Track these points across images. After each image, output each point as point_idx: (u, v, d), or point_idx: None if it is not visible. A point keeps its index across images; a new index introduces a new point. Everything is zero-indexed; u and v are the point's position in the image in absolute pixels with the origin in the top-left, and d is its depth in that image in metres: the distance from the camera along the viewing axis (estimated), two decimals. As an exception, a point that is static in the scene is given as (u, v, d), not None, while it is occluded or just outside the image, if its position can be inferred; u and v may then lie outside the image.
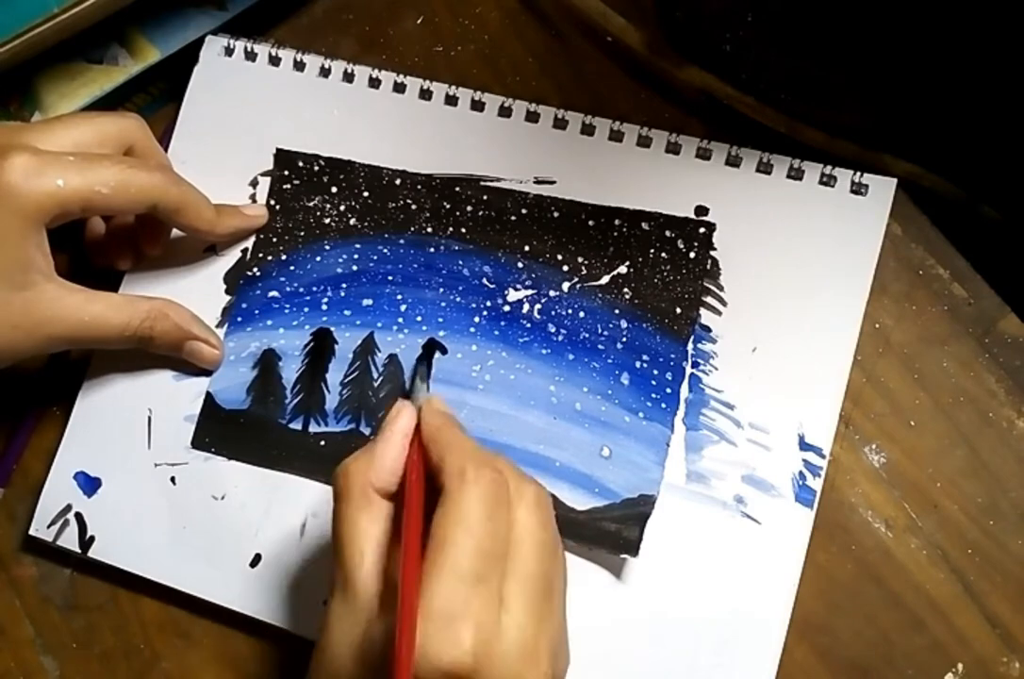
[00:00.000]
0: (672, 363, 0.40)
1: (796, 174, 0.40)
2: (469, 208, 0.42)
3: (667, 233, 0.41)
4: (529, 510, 0.31)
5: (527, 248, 0.41)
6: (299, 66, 0.44)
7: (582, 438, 0.39)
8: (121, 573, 0.41)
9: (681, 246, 0.40)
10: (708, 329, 0.40)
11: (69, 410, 0.43)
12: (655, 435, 0.39)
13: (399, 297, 0.42)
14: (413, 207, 0.42)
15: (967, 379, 0.39)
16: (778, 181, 0.40)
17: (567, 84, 0.44)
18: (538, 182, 0.42)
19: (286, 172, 0.44)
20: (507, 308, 0.41)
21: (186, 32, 0.44)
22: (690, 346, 0.40)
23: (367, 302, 0.42)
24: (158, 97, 0.46)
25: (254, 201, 0.44)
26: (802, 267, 0.39)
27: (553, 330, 0.41)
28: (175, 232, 0.42)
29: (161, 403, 0.42)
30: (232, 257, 0.43)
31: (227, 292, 0.43)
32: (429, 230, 0.42)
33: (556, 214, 0.41)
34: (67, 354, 0.44)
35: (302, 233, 0.43)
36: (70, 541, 0.42)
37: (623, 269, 0.41)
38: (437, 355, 0.41)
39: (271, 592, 0.40)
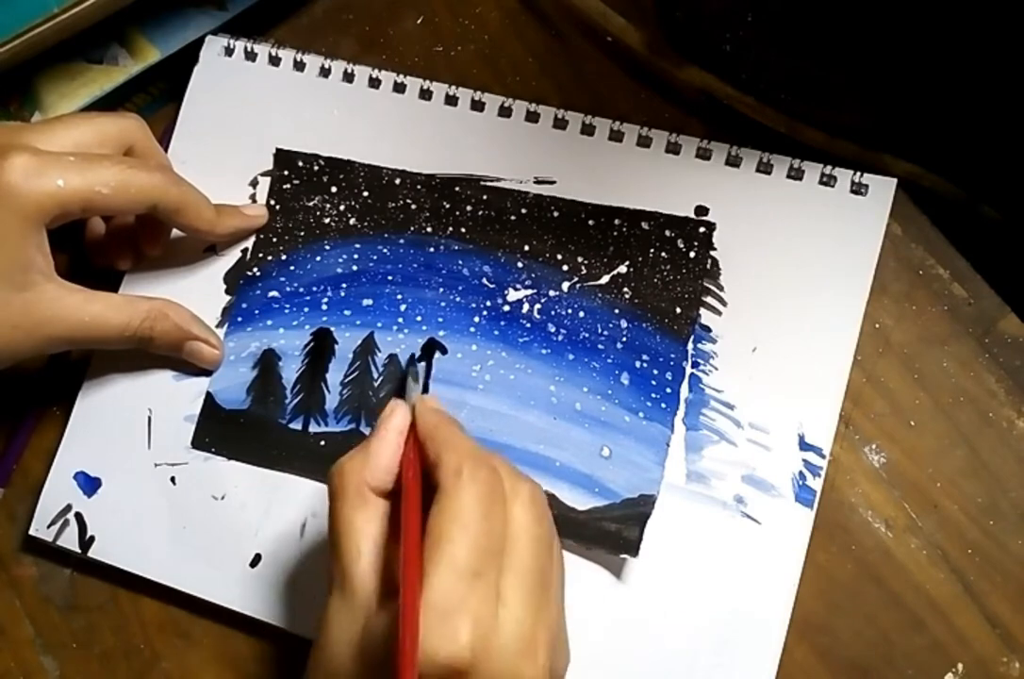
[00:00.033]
0: (672, 363, 0.40)
1: (796, 174, 0.40)
2: (469, 208, 0.42)
3: (667, 233, 0.41)
4: (524, 507, 0.31)
5: (527, 248, 0.41)
6: (299, 66, 0.44)
7: (582, 438, 0.39)
8: (121, 573, 0.41)
9: (681, 246, 0.40)
10: (708, 329, 0.40)
11: (69, 410, 0.43)
12: (655, 435, 0.39)
13: (399, 297, 0.42)
14: (413, 207, 0.42)
15: (967, 379, 0.39)
16: (778, 181, 0.40)
17: (567, 84, 0.44)
18: (538, 182, 0.42)
19: (286, 172, 0.44)
20: (507, 308, 0.41)
21: (186, 32, 0.44)
22: (690, 346, 0.40)
23: (367, 302, 0.42)
24: (158, 97, 0.46)
25: (254, 201, 0.44)
26: (802, 267, 0.39)
27: (553, 330, 0.41)
28: (175, 232, 0.42)
29: (161, 403, 0.42)
30: (232, 257, 0.43)
31: (227, 292, 0.43)
32: (429, 230, 0.42)
33: (556, 214, 0.41)
34: (67, 354, 0.44)
35: (302, 233, 0.43)
36: (70, 541, 0.42)
37: (623, 269, 0.41)
38: (437, 355, 0.41)
39: (271, 592, 0.40)
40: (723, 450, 0.39)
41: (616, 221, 0.41)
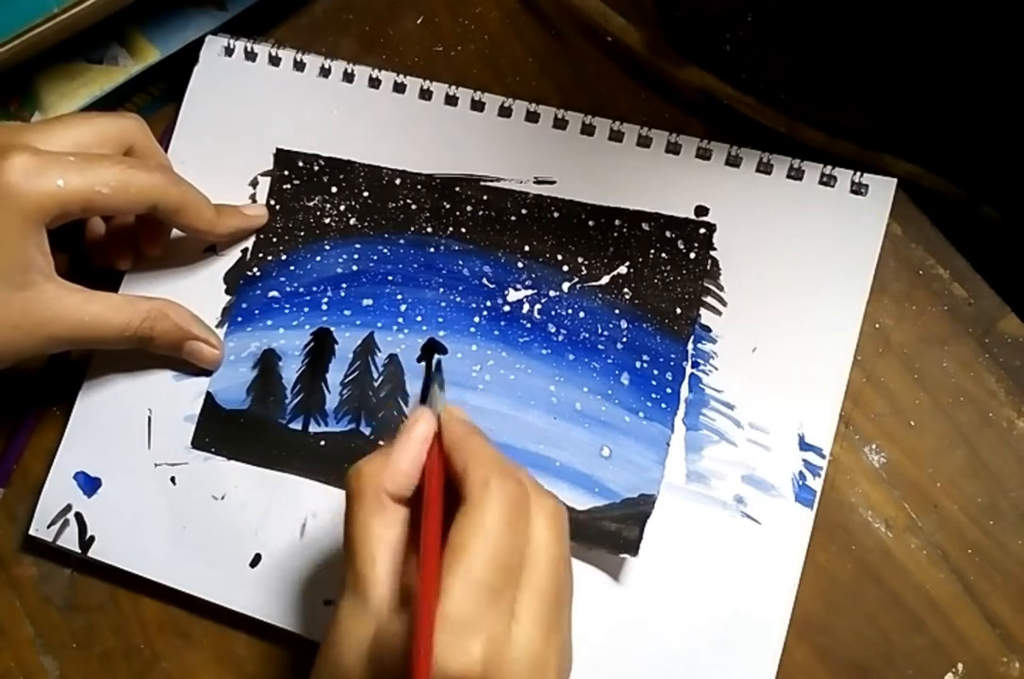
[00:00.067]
0: (672, 363, 0.40)
1: (796, 174, 0.40)
2: (469, 208, 0.42)
3: (667, 233, 0.41)
4: (546, 524, 0.31)
5: (527, 248, 0.41)
6: (299, 66, 0.44)
7: (582, 438, 0.39)
8: (121, 573, 0.41)
9: (681, 246, 0.40)
10: (708, 329, 0.40)
11: (69, 410, 0.43)
12: (655, 435, 0.39)
13: (399, 297, 0.42)
14: (413, 207, 0.42)
15: (967, 379, 0.39)
16: (778, 181, 0.40)
17: (567, 84, 0.44)
18: (538, 182, 0.42)
19: (286, 172, 0.44)
20: (507, 308, 0.41)
21: (186, 32, 0.44)
22: (690, 346, 0.40)
23: (367, 302, 0.42)
24: (158, 97, 0.46)
25: (254, 201, 0.44)
26: (802, 267, 0.39)
27: (553, 330, 0.41)
28: (175, 232, 0.42)
29: (161, 403, 0.42)
30: (232, 257, 0.43)
31: (227, 292, 0.43)
32: (429, 230, 0.42)
33: (556, 214, 0.41)
34: (67, 354, 0.44)
35: (302, 233, 0.43)
36: (70, 541, 0.42)
37: (623, 269, 0.41)
38: (436, 355, 0.41)
39: (271, 592, 0.40)
40: (723, 450, 0.39)
41: (616, 222, 0.41)
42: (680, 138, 0.41)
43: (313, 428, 0.41)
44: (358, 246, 0.43)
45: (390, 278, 0.42)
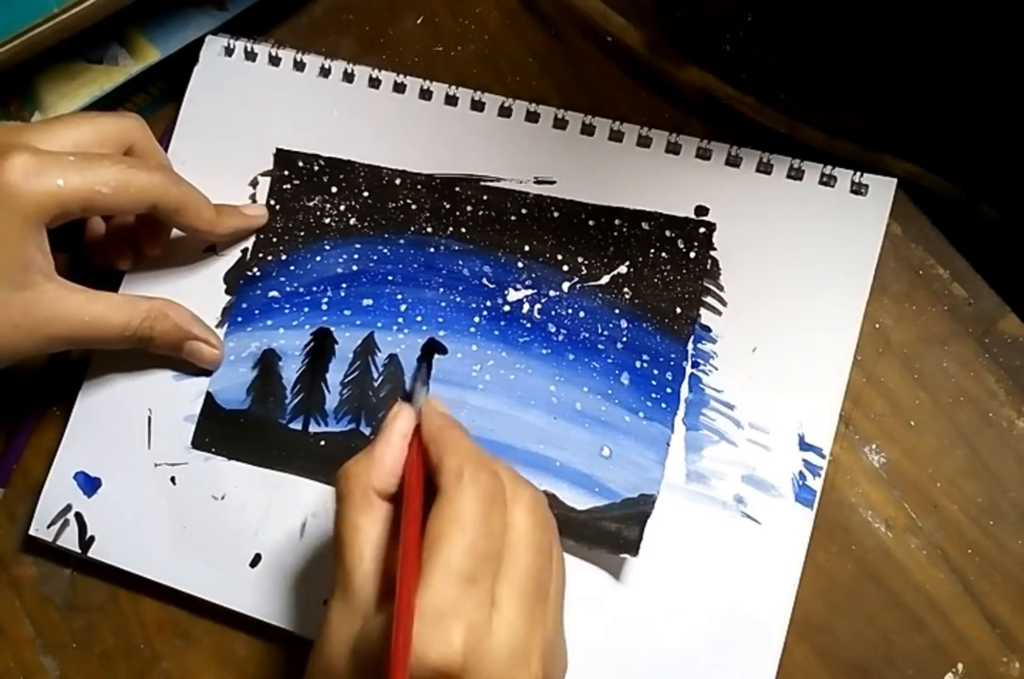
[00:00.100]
0: (672, 363, 0.40)
1: (796, 174, 0.40)
2: (469, 208, 0.42)
3: (667, 233, 0.41)
4: (525, 512, 0.31)
5: (527, 248, 0.41)
6: (299, 66, 0.44)
7: (582, 438, 0.39)
8: (121, 573, 0.41)
9: (681, 246, 0.40)
10: (708, 329, 0.40)
11: (69, 410, 0.43)
12: (655, 435, 0.39)
13: (399, 297, 0.42)
14: (413, 207, 0.42)
15: (967, 379, 0.39)
16: (778, 181, 0.40)
17: (567, 84, 0.44)
18: (538, 182, 0.42)
19: (286, 172, 0.44)
20: (507, 308, 0.41)
21: (186, 32, 0.44)
22: (690, 346, 0.40)
23: (367, 302, 0.42)
24: (158, 97, 0.46)
25: (254, 201, 0.44)
26: (802, 267, 0.39)
27: (553, 330, 0.41)
28: (175, 232, 0.42)
29: (161, 403, 0.42)
30: (232, 257, 0.43)
31: (227, 292, 0.43)
32: (429, 230, 0.42)
33: (556, 214, 0.41)
34: (67, 354, 0.44)
35: (302, 233, 0.43)
36: (70, 541, 0.42)
37: (623, 269, 0.41)
38: (436, 355, 0.41)
39: (271, 592, 0.40)
40: (723, 450, 0.39)
41: (616, 221, 0.41)
42: (680, 138, 0.41)
43: (313, 428, 0.41)
44: (358, 246, 0.43)
45: (390, 278, 0.42)
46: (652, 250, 0.41)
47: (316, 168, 0.43)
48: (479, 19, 0.45)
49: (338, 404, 0.41)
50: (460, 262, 0.42)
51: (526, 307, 0.41)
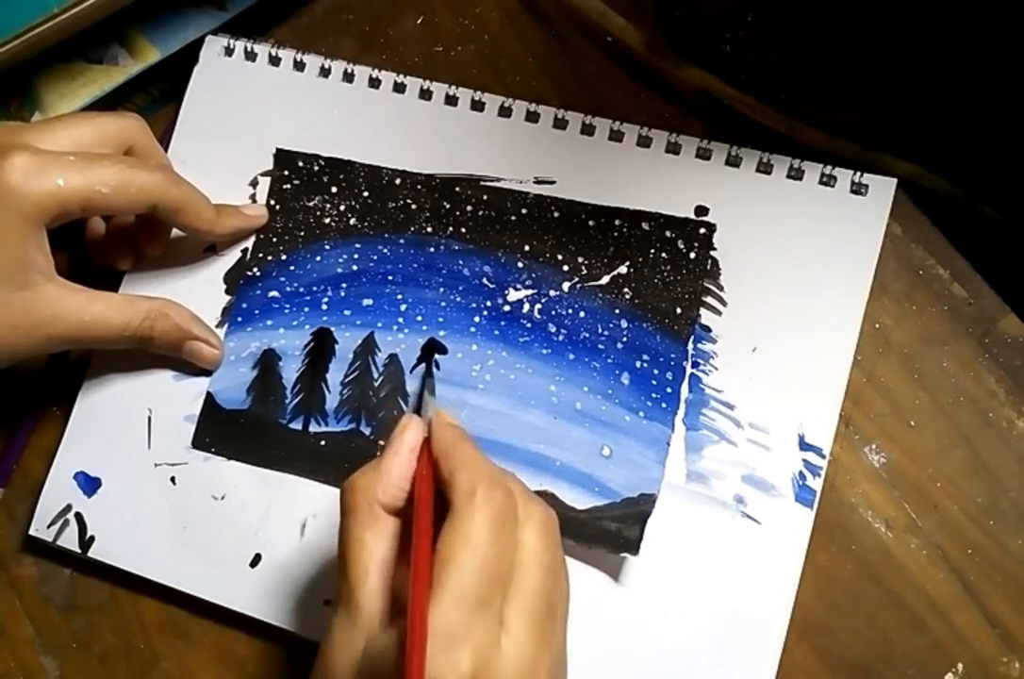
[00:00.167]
0: (672, 363, 0.40)
1: (796, 174, 0.40)
2: (469, 208, 0.42)
3: (667, 233, 0.41)
4: (535, 532, 0.31)
5: (527, 248, 0.41)
6: (299, 66, 0.44)
7: (582, 437, 0.39)
8: (121, 573, 0.41)
9: (681, 246, 0.40)
10: (708, 329, 0.40)
11: (69, 410, 0.43)
12: (655, 434, 0.39)
13: (399, 297, 0.42)
14: (413, 207, 0.42)
15: (967, 379, 0.39)
16: (778, 181, 0.40)
17: (567, 84, 0.44)
18: (538, 182, 0.42)
19: (286, 172, 0.44)
20: (507, 308, 0.41)
21: (186, 32, 0.44)
22: (690, 346, 0.40)
23: (367, 302, 0.42)
24: (158, 97, 0.46)
25: (254, 201, 0.44)
26: (802, 267, 0.39)
27: (553, 330, 0.41)
28: (175, 232, 0.42)
29: (161, 403, 0.42)
30: (232, 257, 0.43)
31: (227, 292, 0.43)
32: (429, 230, 0.42)
33: (556, 214, 0.41)
34: (67, 354, 0.44)
35: (302, 233, 0.43)
36: (70, 541, 0.42)
37: (623, 269, 0.41)
38: (436, 355, 0.41)
39: (271, 592, 0.40)
40: (723, 450, 0.39)
41: (616, 221, 0.41)
42: (680, 138, 0.41)
43: (313, 428, 0.41)
44: (358, 246, 0.43)
45: (390, 278, 0.42)
46: (652, 250, 0.41)
47: (316, 168, 0.43)
48: (479, 19, 0.45)
49: (338, 404, 0.41)
50: (460, 262, 0.42)
51: (526, 307, 0.41)
